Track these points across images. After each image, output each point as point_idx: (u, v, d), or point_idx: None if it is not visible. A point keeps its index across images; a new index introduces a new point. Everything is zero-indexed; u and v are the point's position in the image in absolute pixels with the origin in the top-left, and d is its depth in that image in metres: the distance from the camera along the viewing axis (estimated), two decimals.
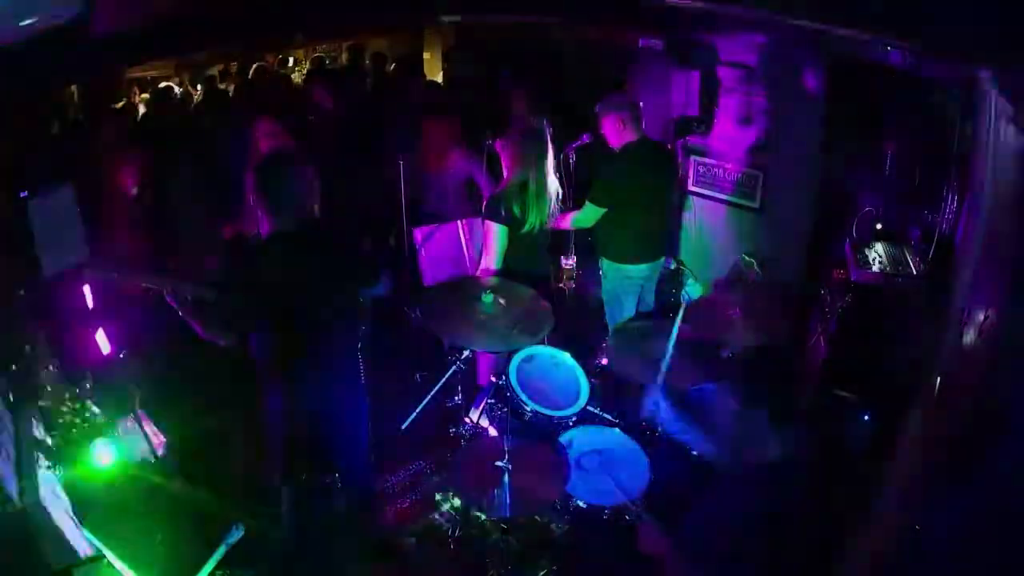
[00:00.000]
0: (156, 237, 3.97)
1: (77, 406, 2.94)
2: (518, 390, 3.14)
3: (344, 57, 8.41)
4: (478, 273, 3.54)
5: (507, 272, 3.46)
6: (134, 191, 3.83)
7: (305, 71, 8.00)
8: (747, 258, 4.94)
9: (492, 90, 5.48)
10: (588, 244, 4.30)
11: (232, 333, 2.69)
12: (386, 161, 4.63)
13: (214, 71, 7.77)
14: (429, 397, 4.29)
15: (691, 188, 5.26)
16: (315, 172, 2.72)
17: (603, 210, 3.78)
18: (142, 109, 6.31)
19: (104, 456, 2.90)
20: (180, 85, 7.38)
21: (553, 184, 3.50)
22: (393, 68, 7.16)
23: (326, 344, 2.76)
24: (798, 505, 1.97)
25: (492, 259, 3.46)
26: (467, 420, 3.46)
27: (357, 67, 7.54)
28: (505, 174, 3.48)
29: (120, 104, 6.04)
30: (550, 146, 3.43)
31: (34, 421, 2.65)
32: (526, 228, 3.40)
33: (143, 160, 3.85)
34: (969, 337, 2.26)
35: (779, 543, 1.95)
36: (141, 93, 7.01)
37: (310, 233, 2.69)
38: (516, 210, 3.38)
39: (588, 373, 3.28)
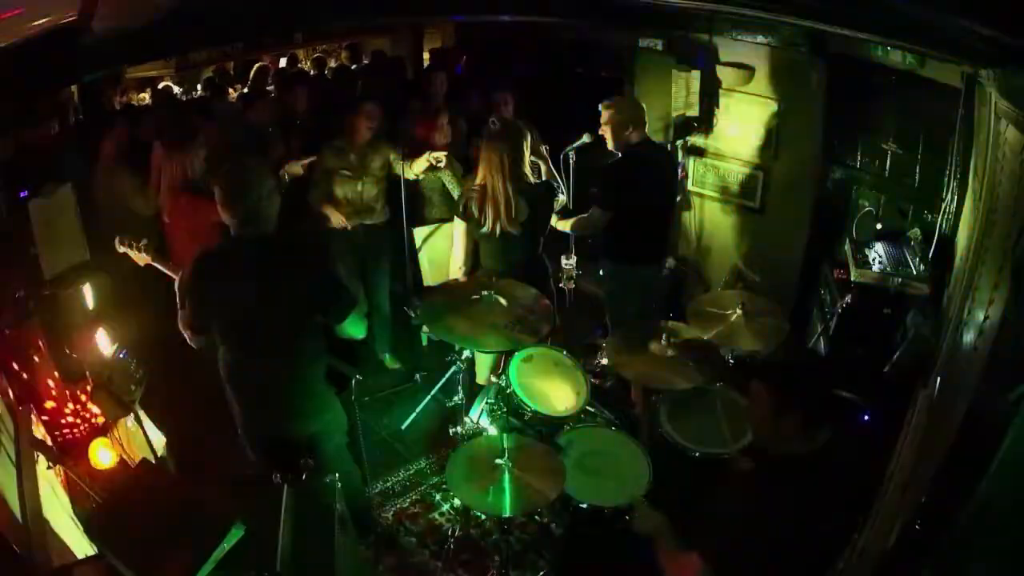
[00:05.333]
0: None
1: (77, 406, 2.94)
2: (518, 390, 3.14)
3: (344, 56, 8.41)
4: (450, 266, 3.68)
5: (476, 268, 3.63)
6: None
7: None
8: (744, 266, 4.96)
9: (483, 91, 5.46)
10: (588, 244, 4.30)
11: (194, 334, 2.73)
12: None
13: (209, 71, 7.76)
14: (429, 397, 4.31)
15: (691, 188, 5.26)
16: (277, 183, 2.71)
17: (610, 213, 3.79)
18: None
19: (104, 456, 2.90)
20: (180, 85, 7.38)
21: (517, 188, 3.43)
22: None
23: (285, 362, 2.74)
24: (799, 503, 1.97)
25: (458, 254, 3.61)
26: (467, 420, 3.46)
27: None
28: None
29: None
30: (522, 149, 3.42)
31: (34, 421, 2.65)
32: (485, 229, 3.43)
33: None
34: (969, 337, 2.26)
35: (780, 541, 1.95)
36: (140, 93, 7.02)
37: (269, 245, 2.66)
38: (475, 209, 3.42)
39: (588, 373, 3.28)
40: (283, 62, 8.07)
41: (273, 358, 2.71)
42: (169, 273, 3.19)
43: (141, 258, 3.28)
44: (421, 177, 4.41)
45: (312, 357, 2.83)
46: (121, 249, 3.27)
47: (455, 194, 4.50)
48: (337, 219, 4.27)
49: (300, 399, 2.84)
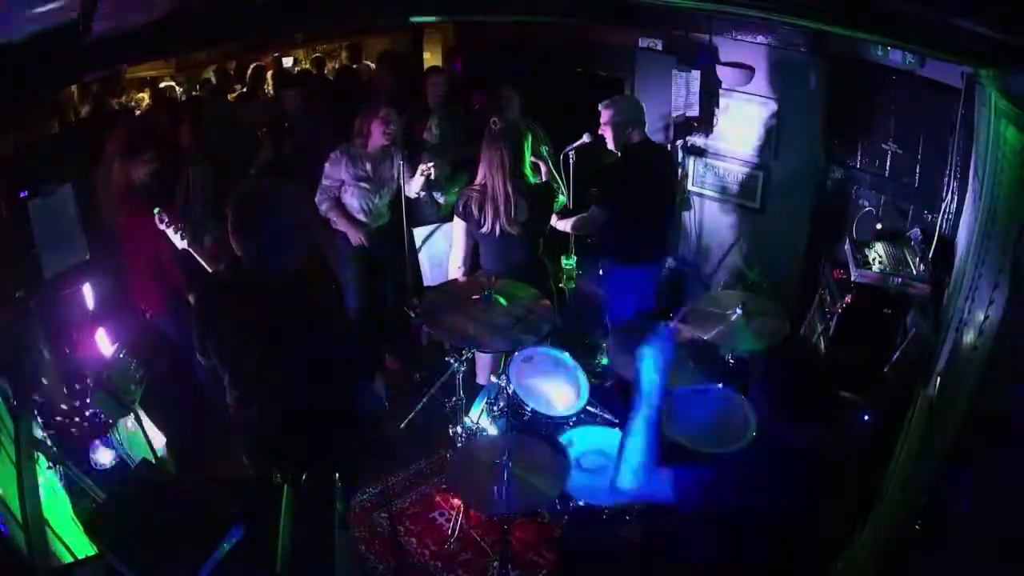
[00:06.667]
0: None
1: (77, 406, 2.94)
2: (518, 390, 3.14)
3: (344, 56, 8.40)
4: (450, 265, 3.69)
5: (476, 268, 3.63)
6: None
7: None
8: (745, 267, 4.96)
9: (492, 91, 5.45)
10: (588, 244, 4.30)
11: (200, 356, 2.52)
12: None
13: (209, 72, 7.76)
14: (428, 397, 4.31)
15: (691, 188, 5.26)
16: (302, 218, 2.34)
17: (610, 213, 3.79)
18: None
19: (104, 456, 2.91)
20: (180, 85, 7.38)
21: (517, 188, 3.43)
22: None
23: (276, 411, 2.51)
24: (798, 503, 1.97)
25: (457, 253, 3.61)
26: (467, 420, 3.46)
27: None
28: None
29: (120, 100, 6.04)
30: (522, 149, 3.43)
31: (34, 421, 2.65)
32: (485, 229, 3.44)
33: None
34: (969, 337, 2.26)
35: (779, 541, 1.95)
36: (139, 93, 7.01)
37: (276, 285, 2.30)
38: (475, 209, 3.43)
39: (588, 373, 3.29)
40: (286, 62, 8.07)
41: (269, 406, 2.46)
42: (203, 262, 3.24)
43: (179, 241, 3.32)
44: (422, 194, 4.46)
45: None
46: (161, 227, 3.33)
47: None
48: (355, 237, 4.26)
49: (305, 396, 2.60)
